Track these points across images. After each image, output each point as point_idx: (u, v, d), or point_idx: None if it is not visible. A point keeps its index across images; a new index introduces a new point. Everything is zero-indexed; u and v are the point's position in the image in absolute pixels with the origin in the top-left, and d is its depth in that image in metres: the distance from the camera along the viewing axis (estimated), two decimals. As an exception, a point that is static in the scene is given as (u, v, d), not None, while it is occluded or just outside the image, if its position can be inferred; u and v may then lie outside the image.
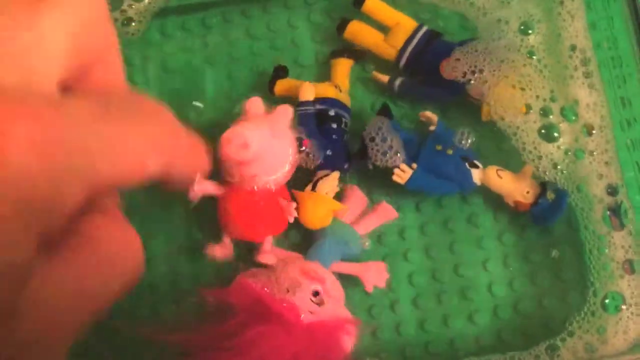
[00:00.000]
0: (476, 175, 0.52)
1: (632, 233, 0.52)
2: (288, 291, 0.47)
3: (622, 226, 0.52)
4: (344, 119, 0.54)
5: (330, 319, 0.47)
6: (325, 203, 0.51)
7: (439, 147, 0.52)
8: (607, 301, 0.51)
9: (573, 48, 0.54)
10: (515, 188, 0.52)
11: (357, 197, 0.54)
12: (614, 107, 0.55)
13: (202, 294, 0.47)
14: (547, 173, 0.53)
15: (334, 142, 0.53)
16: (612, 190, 0.52)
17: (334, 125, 0.54)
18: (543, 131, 0.53)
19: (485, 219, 0.55)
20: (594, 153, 0.53)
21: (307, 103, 0.53)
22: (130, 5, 0.58)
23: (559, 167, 0.53)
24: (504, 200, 0.53)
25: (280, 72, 0.57)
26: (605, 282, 0.51)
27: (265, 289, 0.47)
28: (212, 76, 0.59)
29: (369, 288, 0.51)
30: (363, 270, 0.52)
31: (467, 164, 0.52)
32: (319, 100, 0.54)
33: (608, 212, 0.52)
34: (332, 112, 0.54)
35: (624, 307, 0.51)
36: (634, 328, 0.50)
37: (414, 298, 0.54)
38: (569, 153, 0.53)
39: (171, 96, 0.59)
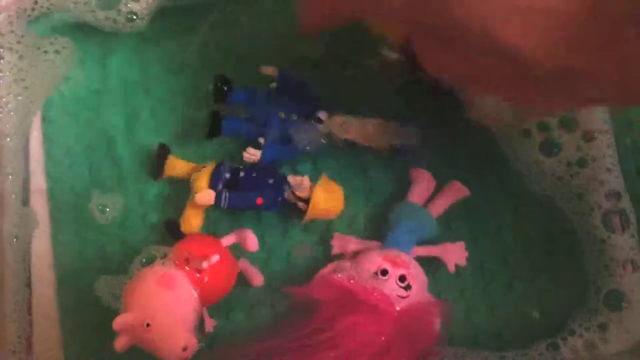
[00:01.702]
0: (323, 129, 0.53)
1: (634, 236, 0.52)
2: (374, 280, 0.47)
3: (623, 230, 0.52)
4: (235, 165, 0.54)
5: (419, 302, 0.48)
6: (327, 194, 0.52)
7: (282, 115, 0.53)
8: (608, 300, 0.51)
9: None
10: (363, 134, 0.53)
11: (425, 178, 0.53)
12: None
13: (289, 292, 0.48)
14: (550, 187, 0.53)
15: (258, 179, 0.53)
16: (614, 196, 0.53)
17: (242, 174, 0.53)
18: (544, 146, 0.53)
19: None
20: (596, 159, 0.53)
21: (217, 197, 0.52)
22: (126, 4, 0.57)
23: (564, 179, 0.53)
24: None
25: (163, 152, 0.55)
26: (607, 281, 0.51)
27: (351, 280, 0.47)
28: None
29: (451, 268, 0.51)
30: (443, 251, 0.52)
31: (312, 120, 0.53)
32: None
33: (609, 217, 0.52)
34: (227, 175, 0.53)
35: (625, 305, 0.51)
36: (636, 327, 0.51)
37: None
38: (572, 164, 0.53)
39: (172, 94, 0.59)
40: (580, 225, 0.53)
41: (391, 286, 0.47)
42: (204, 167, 0.53)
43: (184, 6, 0.59)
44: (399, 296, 0.47)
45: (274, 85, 0.54)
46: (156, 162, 0.55)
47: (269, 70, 0.55)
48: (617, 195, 0.52)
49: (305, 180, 0.52)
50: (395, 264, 0.48)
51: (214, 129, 0.54)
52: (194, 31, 0.59)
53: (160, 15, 0.58)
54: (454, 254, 0.52)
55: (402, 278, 0.48)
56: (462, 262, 0.52)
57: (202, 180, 0.53)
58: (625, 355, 0.50)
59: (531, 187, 0.54)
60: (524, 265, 0.54)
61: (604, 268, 0.52)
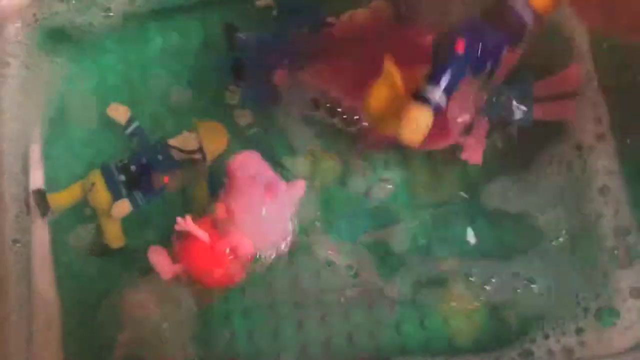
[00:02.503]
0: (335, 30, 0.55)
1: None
2: None
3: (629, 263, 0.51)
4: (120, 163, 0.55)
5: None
6: None
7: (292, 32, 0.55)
8: (601, 315, 0.50)
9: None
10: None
11: None
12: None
13: None
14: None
15: (150, 162, 0.55)
16: (623, 232, 0.52)
17: (133, 168, 0.55)
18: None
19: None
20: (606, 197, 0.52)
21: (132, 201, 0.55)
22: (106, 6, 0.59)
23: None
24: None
25: (40, 196, 0.56)
26: (604, 301, 0.51)
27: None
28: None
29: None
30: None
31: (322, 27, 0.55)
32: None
33: (615, 252, 0.51)
34: (122, 177, 0.55)
35: (617, 321, 0.50)
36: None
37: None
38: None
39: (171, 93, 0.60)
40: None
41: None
42: (91, 184, 0.55)
43: (182, 6, 0.61)
44: None
45: (274, 13, 0.57)
46: (38, 206, 0.56)
47: (262, 3, 0.57)
48: (626, 231, 0.51)
49: (186, 134, 0.54)
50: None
51: (230, 42, 0.56)
52: (191, 31, 0.61)
53: (158, 14, 0.60)
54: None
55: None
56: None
57: (102, 195, 0.54)
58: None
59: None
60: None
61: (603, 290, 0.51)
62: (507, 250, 0.53)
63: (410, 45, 0.51)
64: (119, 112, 0.57)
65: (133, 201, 0.54)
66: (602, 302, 0.50)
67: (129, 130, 0.57)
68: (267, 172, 0.51)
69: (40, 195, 0.56)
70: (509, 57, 0.51)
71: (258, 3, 0.58)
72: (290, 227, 0.51)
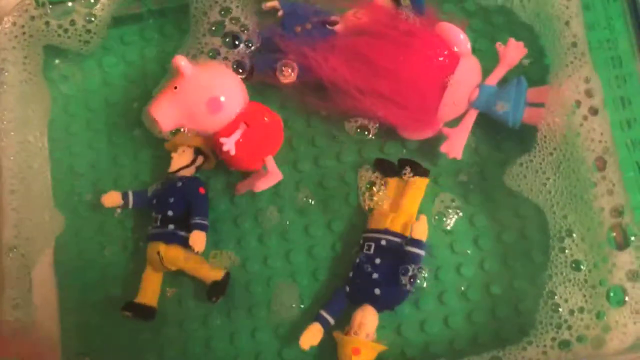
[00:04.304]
0: (339, 27, 0.55)
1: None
2: None
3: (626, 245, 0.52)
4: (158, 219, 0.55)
5: None
6: None
7: (298, 29, 0.55)
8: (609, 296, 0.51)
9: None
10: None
11: None
12: (613, 106, 0.55)
13: None
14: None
15: (175, 190, 0.54)
16: (617, 213, 0.52)
17: (170, 213, 0.54)
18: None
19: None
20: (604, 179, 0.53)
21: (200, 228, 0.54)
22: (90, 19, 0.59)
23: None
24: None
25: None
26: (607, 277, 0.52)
27: None
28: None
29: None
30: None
31: (327, 26, 0.55)
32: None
33: (613, 234, 0.52)
34: (172, 226, 0.54)
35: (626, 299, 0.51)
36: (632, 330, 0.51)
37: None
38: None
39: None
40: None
41: None
42: (156, 253, 0.53)
43: (183, 7, 0.60)
44: None
45: (281, 13, 0.57)
46: (140, 317, 0.54)
47: (268, 5, 0.58)
48: (620, 212, 0.52)
49: (174, 155, 0.55)
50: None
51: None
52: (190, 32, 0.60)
53: (159, 15, 0.60)
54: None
55: None
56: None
57: (174, 252, 0.53)
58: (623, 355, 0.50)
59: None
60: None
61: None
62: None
63: (418, 33, 0.53)
64: (111, 200, 0.56)
65: (199, 227, 0.53)
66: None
67: (131, 203, 0.56)
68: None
69: (132, 307, 0.54)
70: (511, 59, 0.54)
71: (264, 5, 0.58)
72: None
